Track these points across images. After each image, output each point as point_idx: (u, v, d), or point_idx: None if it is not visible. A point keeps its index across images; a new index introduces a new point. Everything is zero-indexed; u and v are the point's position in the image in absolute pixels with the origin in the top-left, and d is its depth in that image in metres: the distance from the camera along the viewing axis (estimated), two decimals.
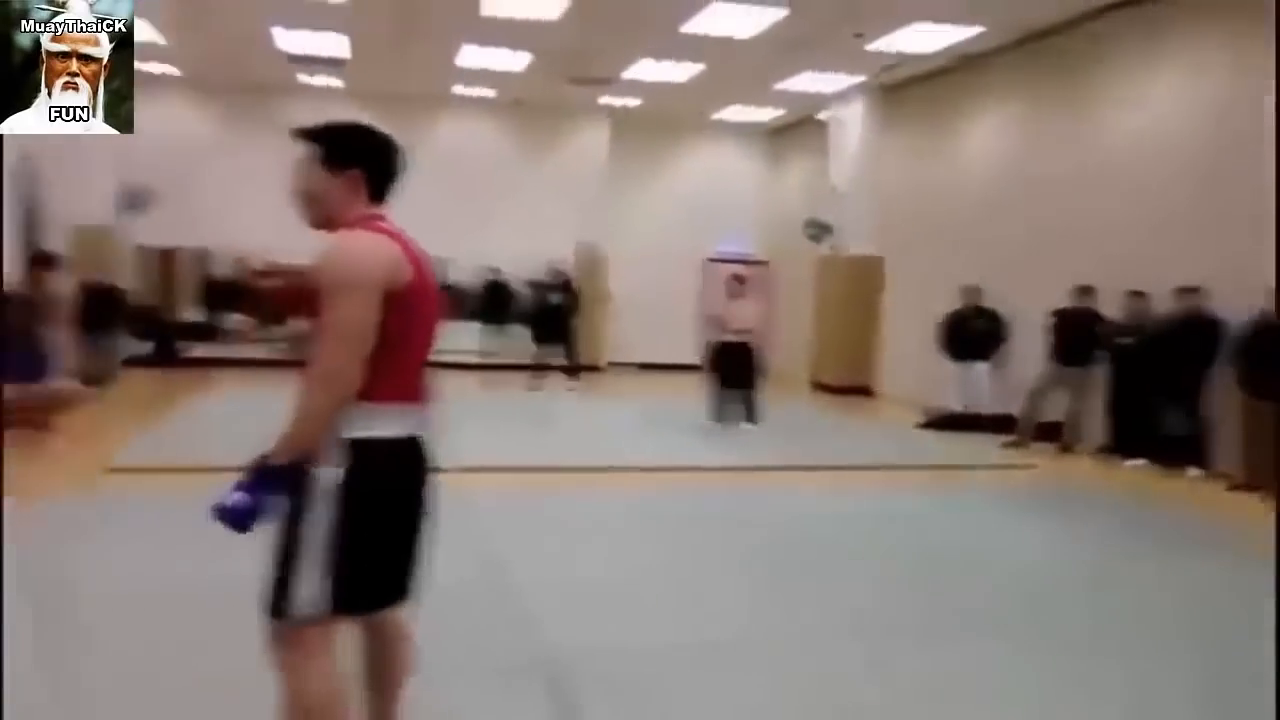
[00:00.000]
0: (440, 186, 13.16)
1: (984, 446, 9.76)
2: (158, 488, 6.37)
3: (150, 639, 3.84)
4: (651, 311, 16.38)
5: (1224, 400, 8.31)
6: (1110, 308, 9.32)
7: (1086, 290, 9.51)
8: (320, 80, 14.75)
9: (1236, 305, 8.14)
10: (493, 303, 15.54)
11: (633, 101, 15.51)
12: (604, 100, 15.52)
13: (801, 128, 16.38)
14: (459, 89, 15.17)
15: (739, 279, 10.54)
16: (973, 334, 11.04)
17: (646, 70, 13.31)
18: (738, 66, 12.80)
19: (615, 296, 16.36)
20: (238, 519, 2.24)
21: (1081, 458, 9.39)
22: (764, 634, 4.26)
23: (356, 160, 2.44)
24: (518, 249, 15.20)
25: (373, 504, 2.34)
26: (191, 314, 15.34)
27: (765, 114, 16.42)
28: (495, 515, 5.98)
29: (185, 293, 15.56)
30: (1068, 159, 10.63)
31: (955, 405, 11.07)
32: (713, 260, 16.22)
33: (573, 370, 13.54)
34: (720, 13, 10.47)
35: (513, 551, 5.29)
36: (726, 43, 11.57)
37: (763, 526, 6.24)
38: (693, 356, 13.13)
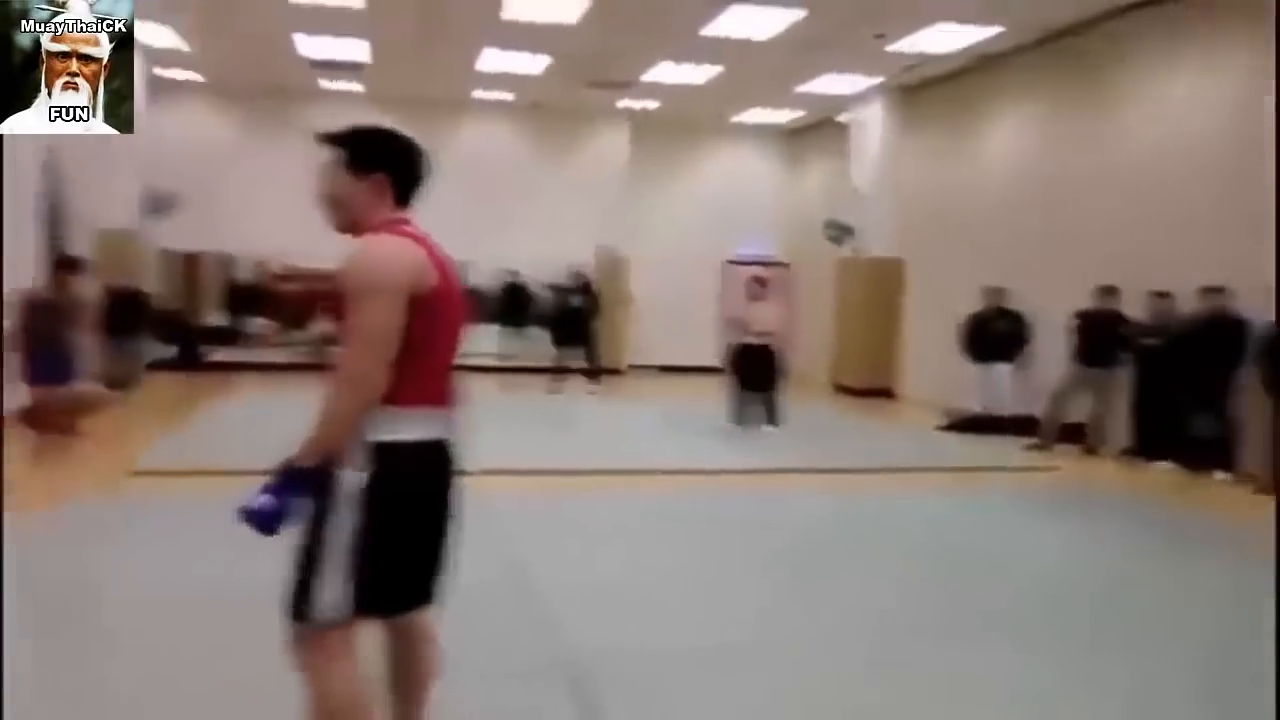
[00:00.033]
0: (460, 190, 13.18)
1: (1006, 449, 9.68)
2: (181, 491, 6.42)
3: (174, 642, 3.86)
4: (672, 314, 16.37)
5: (1250, 402, 8.22)
6: (1133, 308, 9.25)
7: (1110, 291, 9.43)
8: (341, 85, 14.83)
9: (1259, 306, 8.05)
10: (512, 305, 15.60)
11: (652, 104, 15.52)
12: (623, 103, 15.54)
13: (820, 129, 16.34)
14: (479, 93, 15.23)
15: (759, 281, 10.52)
16: (995, 335, 10.96)
17: (666, 73, 13.31)
18: (757, 68, 12.79)
19: (636, 299, 16.36)
20: (264, 522, 2.25)
21: (1105, 460, 9.31)
22: (784, 636, 4.25)
23: (381, 164, 2.45)
24: (538, 252, 15.25)
25: (397, 507, 2.34)
26: (215, 318, 15.49)
27: (784, 116, 16.40)
28: (516, 518, 5.98)
29: (209, 297, 15.71)
30: (1088, 159, 10.55)
31: (977, 407, 11.00)
32: (733, 262, 16.18)
33: (593, 373, 13.54)
34: (739, 15, 10.45)
35: (534, 554, 5.30)
36: (745, 45, 11.55)
37: (783, 529, 6.23)
38: (713, 359, 13.14)
